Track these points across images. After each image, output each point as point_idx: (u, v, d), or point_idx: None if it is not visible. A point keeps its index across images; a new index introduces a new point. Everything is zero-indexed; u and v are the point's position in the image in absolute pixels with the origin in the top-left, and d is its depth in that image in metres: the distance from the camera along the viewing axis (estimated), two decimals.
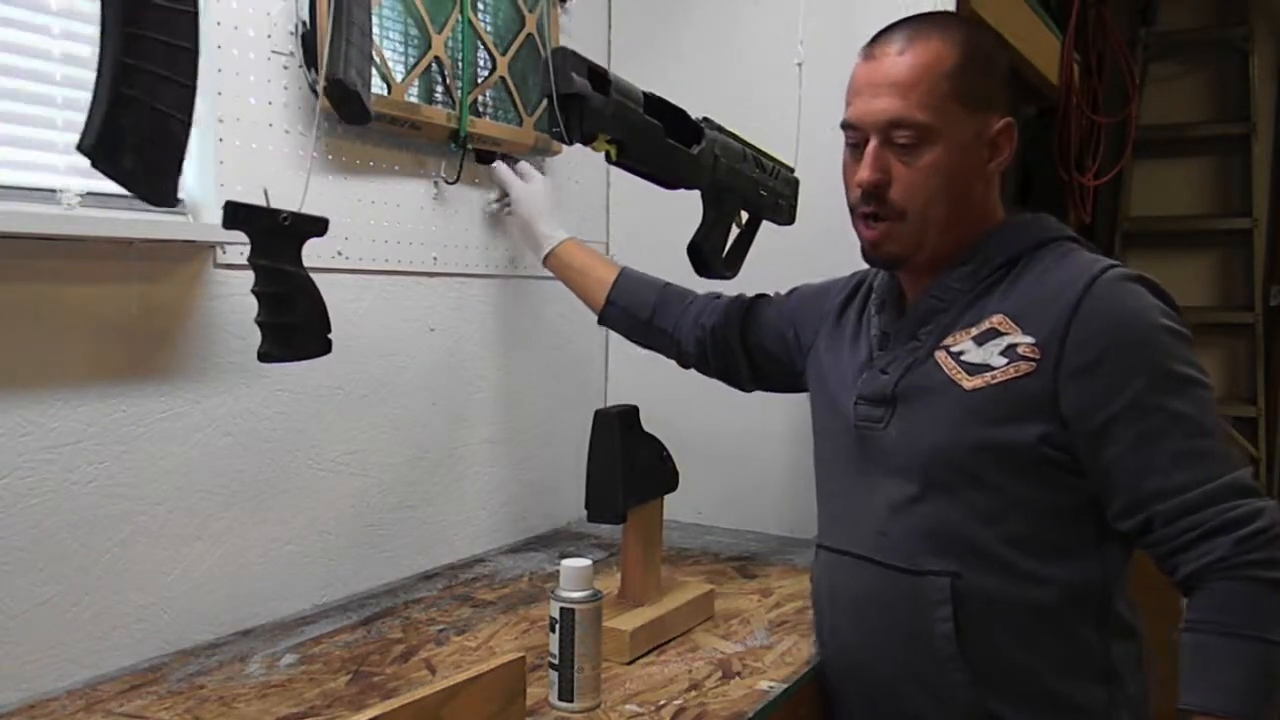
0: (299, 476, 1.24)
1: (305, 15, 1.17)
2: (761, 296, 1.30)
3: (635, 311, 1.35)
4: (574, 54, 0.99)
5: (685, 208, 1.23)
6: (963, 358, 0.95)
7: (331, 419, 1.28)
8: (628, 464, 1.16)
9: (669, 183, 1.17)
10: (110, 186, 1.02)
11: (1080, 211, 2.57)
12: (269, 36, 1.17)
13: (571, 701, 0.96)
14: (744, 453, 1.67)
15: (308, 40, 1.18)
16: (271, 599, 1.22)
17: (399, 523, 1.39)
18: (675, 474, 1.27)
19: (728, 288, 1.36)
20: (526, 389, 1.61)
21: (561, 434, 1.67)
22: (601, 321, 1.39)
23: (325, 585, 1.29)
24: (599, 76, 1.01)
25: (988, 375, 0.93)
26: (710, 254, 1.24)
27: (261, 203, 0.97)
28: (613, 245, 1.80)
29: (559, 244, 1.39)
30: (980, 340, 0.94)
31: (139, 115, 0.83)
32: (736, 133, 1.25)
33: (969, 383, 0.94)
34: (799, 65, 1.45)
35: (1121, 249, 3.02)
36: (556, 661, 0.97)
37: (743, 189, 1.26)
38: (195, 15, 0.87)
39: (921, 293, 1.03)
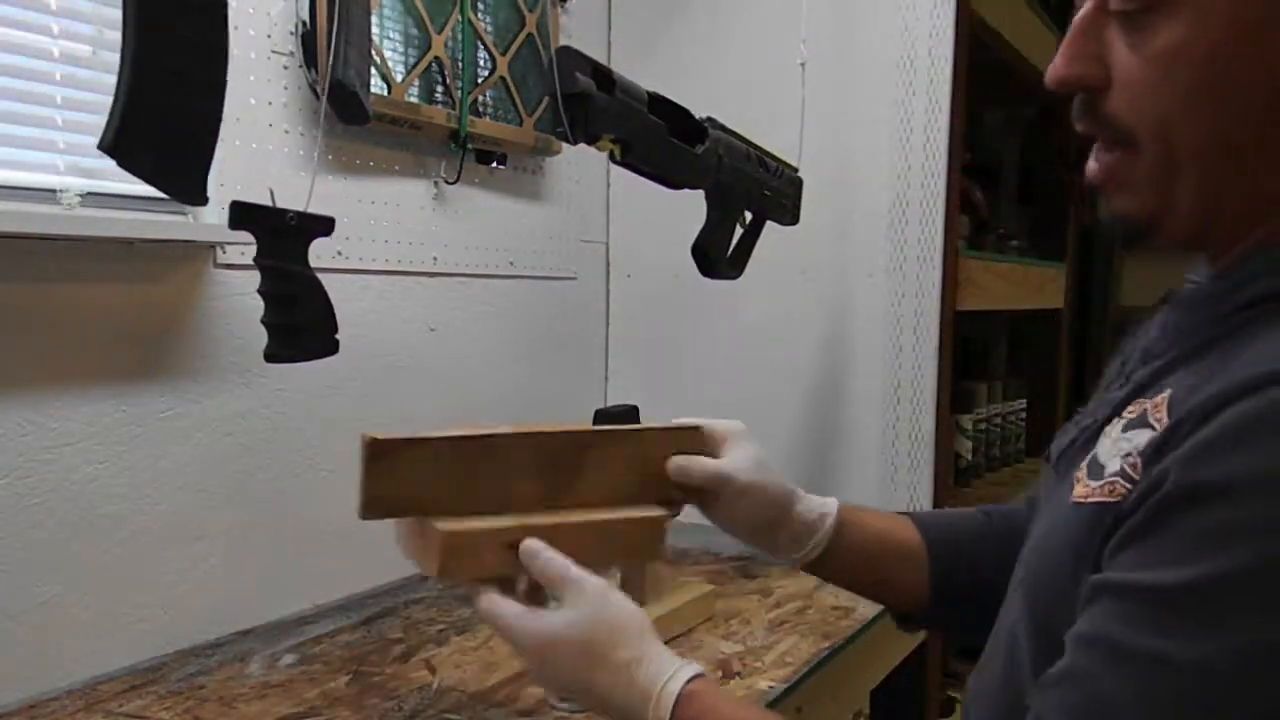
0: (299, 476, 1.24)
1: (305, 15, 1.17)
2: None
3: (970, 600, 0.80)
4: (578, 53, 0.99)
5: (685, 208, 1.23)
6: (1102, 445, 0.57)
7: (332, 419, 1.28)
8: None
9: (673, 183, 1.17)
10: (110, 186, 1.03)
11: (1081, 211, 2.57)
12: (269, 36, 1.17)
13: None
14: None
15: (308, 40, 1.18)
16: (271, 599, 1.22)
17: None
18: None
19: (734, 286, 1.36)
20: (526, 389, 1.61)
21: None
22: (905, 628, 0.90)
23: (325, 585, 1.29)
24: (603, 76, 1.01)
25: (1092, 485, 0.56)
26: (715, 254, 1.24)
27: (267, 202, 0.97)
28: (613, 245, 1.80)
29: (836, 512, 0.84)
30: (1129, 425, 0.56)
31: (160, 112, 0.82)
32: (740, 132, 1.25)
33: (1079, 488, 0.57)
34: (802, 65, 1.45)
35: (1121, 249, 3.02)
36: None
37: (746, 189, 1.26)
38: (224, 9, 0.86)
39: None
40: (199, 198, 0.88)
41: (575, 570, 0.69)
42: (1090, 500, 0.55)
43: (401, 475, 0.69)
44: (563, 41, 1.57)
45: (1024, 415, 2.23)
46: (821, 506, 0.83)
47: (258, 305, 1.15)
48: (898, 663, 1.40)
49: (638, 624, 0.68)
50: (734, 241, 1.29)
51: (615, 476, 0.75)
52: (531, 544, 0.70)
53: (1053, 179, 2.48)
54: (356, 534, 1.33)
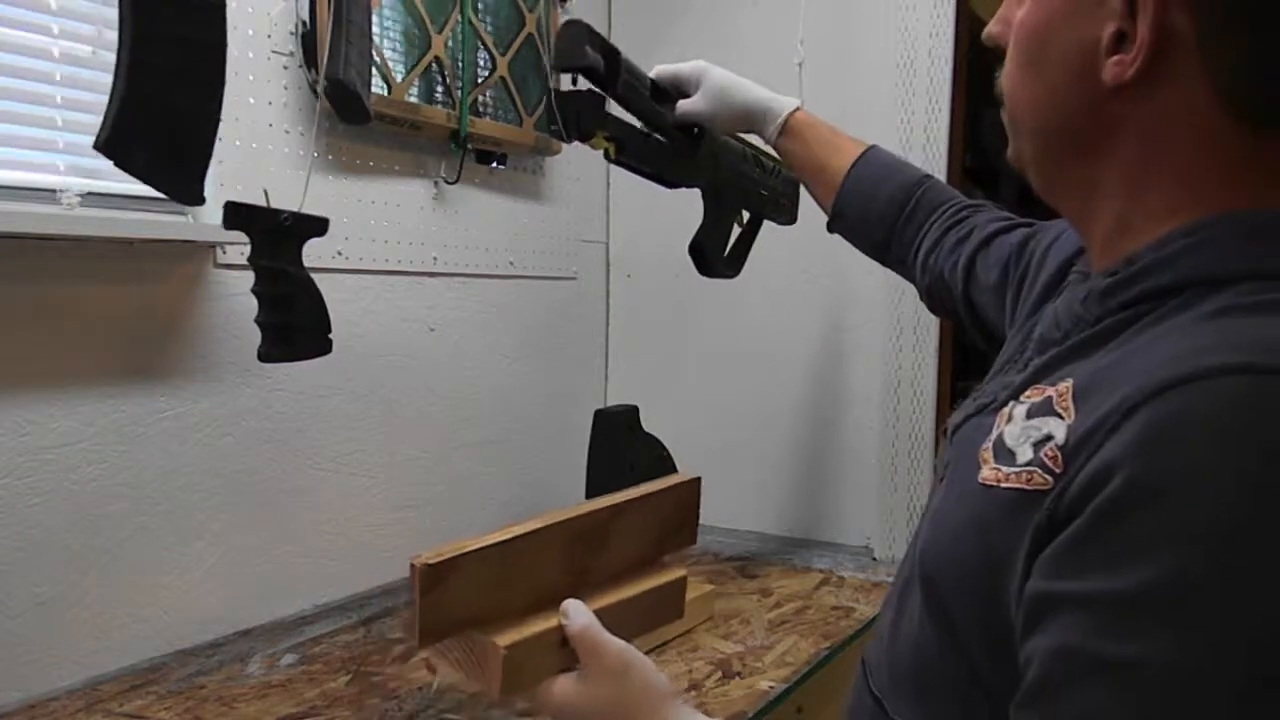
0: (299, 476, 1.24)
1: (305, 15, 1.17)
2: (1003, 232, 0.90)
3: (867, 234, 1.06)
4: (587, 27, 0.99)
5: (686, 207, 1.23)
6: (1008, 427, 0.57)
7: (331, 419, 1.28)
8: (628, 464, 1.16)
9: (668, 181, 1.17)
10: (110, 186, 1.03)
11: None
12: (269, 36, 1.17)
13: None
14: (744, 453, 1.67)
15: (308, 40, 1.18)
16: (271, 599, 1.22)
17: (399, 523, 1.39)
18: (675, 474, 1.27)
19: (734, 286, 1.36)
20: (526, 389, 1.61)
21: (561, 434, 1.67)
22: (830, 230, 1.11)
23: (325, 585, 1.29)
24: (610, 53, 1.01)
25: (1004, 470, 0.55)
26: (712, 254, 1.23)
27: (262, 203, 0.97)
28: (613, 245, 1.80)
29: (790, 114, 1.08)
30: (1033, 411, 0.56)
31: (154, 111, 0.82)
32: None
33: (987, 470, 0.57)
34: (799, 65, 1.45)
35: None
36: None
37: (743, 188, 1.26)
38: (222, 9, 0.86)
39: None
40: (195, 198, 0.88)
41: (599, 637, 0.68)
42: (1005, 485, 0.54)
43: (452, 594, 0.67)
44: None
45: None
46: (776, 115, 1.08)
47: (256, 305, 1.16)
48: None
49: (656, 696, 0.67)
50: (731, 241, 1.29)
51: (632, 540, 0.77)
52: (571, 603, 0.70)
53: None
54: (356, 534, 1.34)
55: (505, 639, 0.67)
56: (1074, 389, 0.54)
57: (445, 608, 0.66)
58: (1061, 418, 0.53)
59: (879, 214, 1.03)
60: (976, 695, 0.56)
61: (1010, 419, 0.57)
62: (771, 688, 1.03)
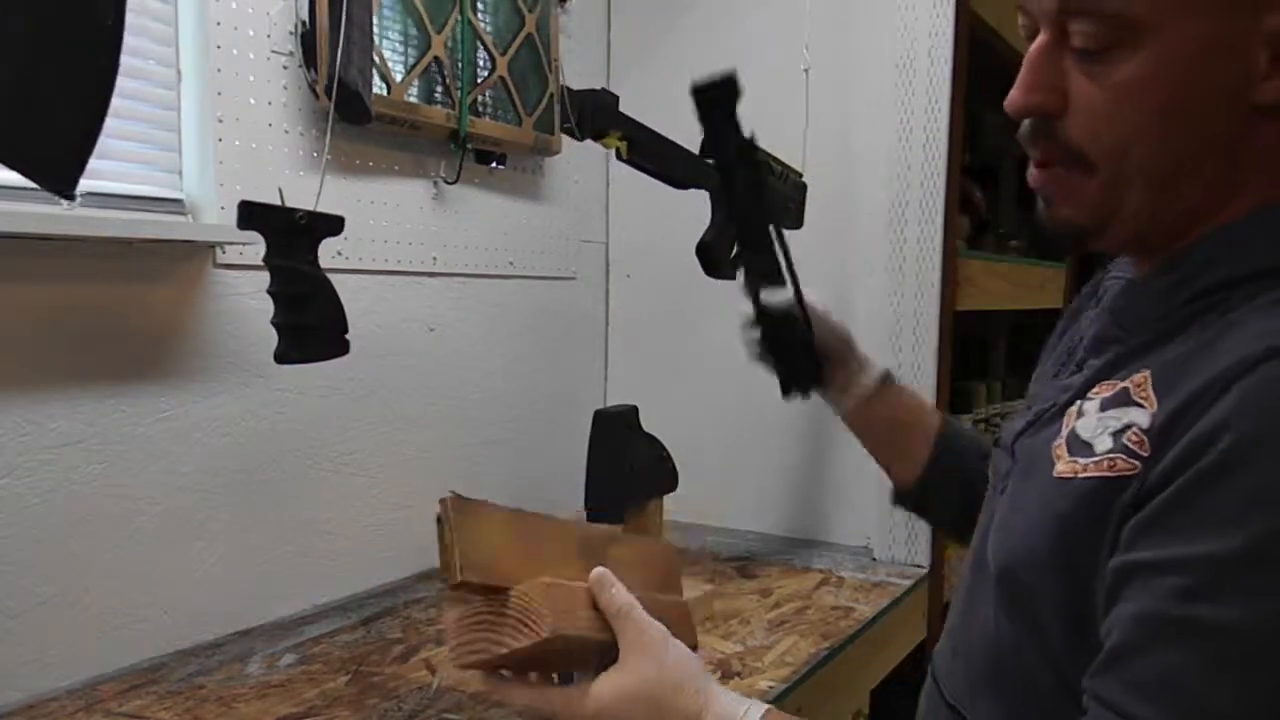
0: (299, 476, 1.24)
1: (305, 15, 1.17)
2: None
3: (949, 507, 0.96)
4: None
5: (684, 208, 1.23)
6: (1080, 422, 0.59)
7: (331, 419, 1.28)
8: (628, 464, 1.16)
9: (678, 182, 1.17)
10: (110, 186, 1.03)
11: None
12: (269, 36, 1.17)
13: None
14: (744, 453, 1.67)
15: (308, 40, 1.18)
16: (271, 599, 1.22)
17: (399, 523, 1.39)
18: (675, 474, 1.27)
19: (733, 285, 1.36)
20: (526, 389, 1.61)
21: (561, 434, 1.67)
22: (896, 502, 1.05)
23: (325, 585, 1.29)
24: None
25: (1082, 462, 0.57)
26: (719, 255, 1.24)
27: (275, 201, 0.96)
28: (613, 245, 1.80)
29: (885, 374, 1.03)
30: (1107, 404, 0.58)
31: (11, 90, 0.73)
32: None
33: (1062, 464, 0.59)
34: (805, 71, 1.45)
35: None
36: None
37: (758, 194, 1.26)
38: None
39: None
40: (66, 190, 0.79)
41: (640, 611, 0.70)
42: (1084, 476, 0.56)
43: (483, 531, 0.68)
44: (563, 41, 1.57)
45: None
46: (870, 368, 1.03)
47: (257, 305, 1.16)
48: (898, 663, 1.40)
49: (697, 673, 0.70)
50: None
51: (632, 573, 0.78)
52: (604, 572, 0.71)
53: None
54: (356, 534, 1.34)
55: (544, 579, 0.68)
56: (1152, 379, 0.56)
57: (479, 541, 0.67)
58: (1143, 406, 0.55)
59: (968, 486, 0.91)
60: (1059, 690, 0.58)
61: (1081, 414, 0.59)
62: (771, 688, 1.03)
